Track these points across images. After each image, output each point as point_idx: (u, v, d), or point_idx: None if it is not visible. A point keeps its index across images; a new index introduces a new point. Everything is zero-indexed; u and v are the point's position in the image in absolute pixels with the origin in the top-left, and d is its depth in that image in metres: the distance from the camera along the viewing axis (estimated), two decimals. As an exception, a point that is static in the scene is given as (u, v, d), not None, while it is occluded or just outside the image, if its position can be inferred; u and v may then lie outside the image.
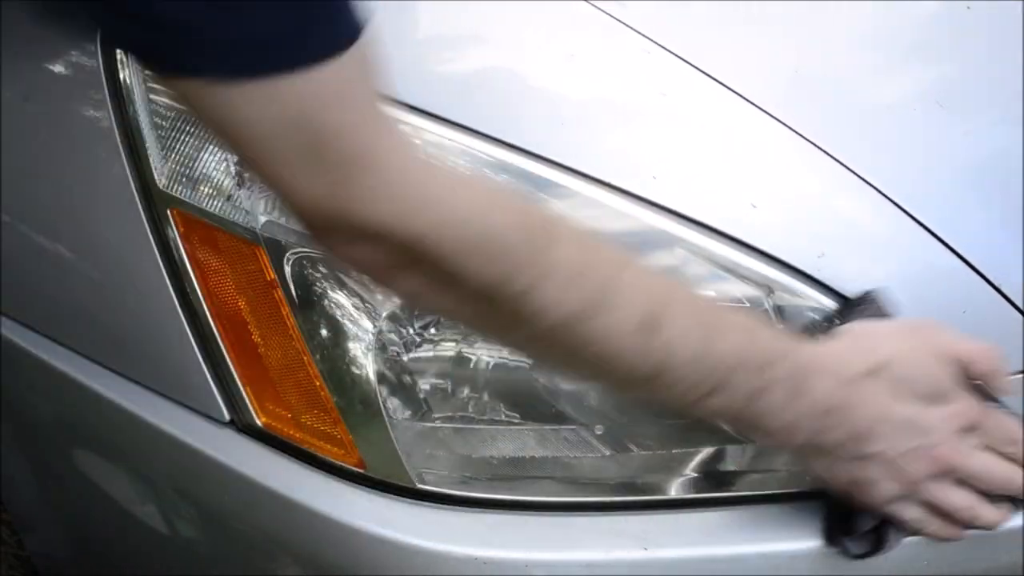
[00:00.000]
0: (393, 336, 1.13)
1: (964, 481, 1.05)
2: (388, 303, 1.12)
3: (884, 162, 1.17)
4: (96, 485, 1.40)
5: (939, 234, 1.15)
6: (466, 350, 1.15)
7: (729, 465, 1.17)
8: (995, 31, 1.34)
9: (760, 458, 1.17)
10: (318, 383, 1.13)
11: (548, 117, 1.14)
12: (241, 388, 1.17)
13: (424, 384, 1.15)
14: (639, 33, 1.20)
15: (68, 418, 1.37)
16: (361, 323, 1.12)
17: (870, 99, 1.22)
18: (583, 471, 1.16)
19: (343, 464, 1.14)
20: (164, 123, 1.18)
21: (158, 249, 1.18)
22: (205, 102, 0.75)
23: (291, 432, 1.16)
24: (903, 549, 1.12)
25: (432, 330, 1.13)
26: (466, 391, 1.16)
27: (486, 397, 1.16)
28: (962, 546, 1.12)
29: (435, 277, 0.87)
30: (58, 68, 1.27)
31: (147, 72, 1.19)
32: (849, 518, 1.08)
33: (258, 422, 1.17)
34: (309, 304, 1.12)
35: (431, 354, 1.15)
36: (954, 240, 1.15)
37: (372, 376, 1.12)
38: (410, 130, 1.12)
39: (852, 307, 1.09)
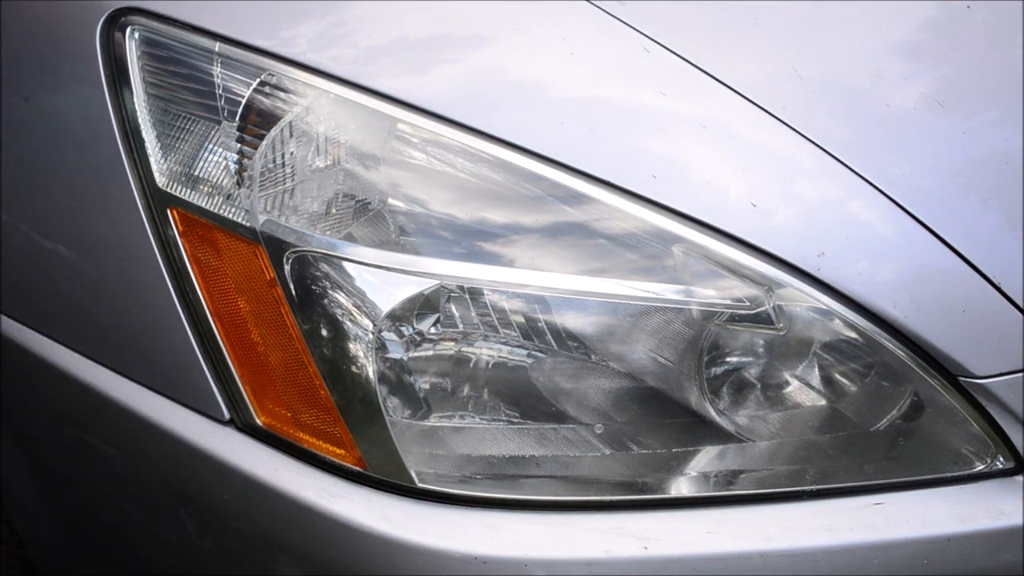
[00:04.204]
0: (393, 336, 1.13)
1: None
2: (388, 303, 1.12)
3: (885, 161, 1.17)
4: (96, 484, 1.40)
5: (939, 233, 1.15)
6: (466, 350, 1.15)
7: (729, 465, 1.17)
8: (995, 31, 1.34)
9: (760, 458, 1.17)
10: (318, 382, 1.13)
11: (547, 116, 1.14)
12: (241, 387, 1.17)
13: (424, 384, 1.15)
14: (639, 31, 1.20)
15: (68, 417, 1.37)
16: (361, 323, 1.12)
17: (870, 98, 1.22)
18: (583, 470, 1.16)
19: (343, 463, 1.15)
20: (164, 123, 1.18)
21: (158, 248, 1.18)
22: None
23: (291, 431, 1.16)
24: (903, 548, 1.12)
25: (432, 330, 1.13)
26: (466, 390, 1.16)
27: (486, 396, 1.16)
28: (962, 546, 1.13)
29: None
30: (58, 68, 1.27)
31: (147, 71, 1.19)
32: None
33: (258, 421, 1.17)
34: (309, 303, 1.12)
35: (431, 354, 1.15)
36: (954, 240, 1.15)
37: (372, 376, 1.12)
38: (410, 129, 1.13)
39: None
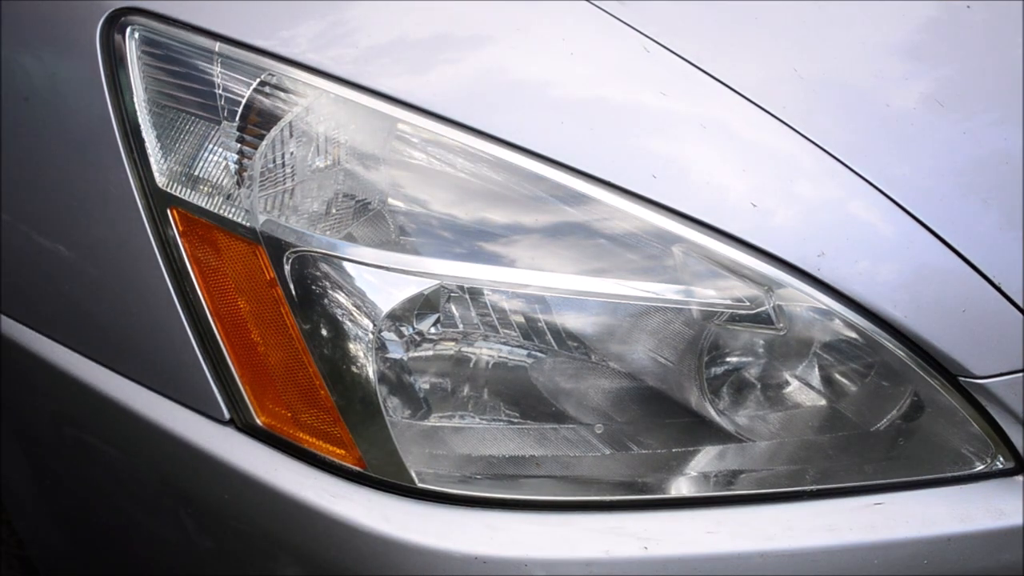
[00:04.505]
0: (393, 336, 1.13)
1: None
2: (388, 303, 1.12)
3: (885, 161, 1.17)
4: (96, 484, 1.40)
5: (939, 233, 1.15)
6: (466, 350, 1.15)
7: (729, 465, 1.17)
8: (995, 31, 1.34)
9: (760, 458, 1.17)
10: (318, 382, 1.13)
11: (547, 116, 1.14)
12: (241, 387, 1.17)
13: (424, 384, 1.15)
14: (639, 31, 1.20)
15: (68, 417, 1.37)
16: (361, 323, 1.12)
17: (871, 99, 1.22)
18: (583, 470, 1.16)
19: (343, 463, 1.15)
20: (164, 123, 1.18)
21: (158, 248, 1.18)
22: None
23: (291, 431, 1.16)
24: (903, 548, 1.12)
25: (432, 330, 1.13)
26: (466, 390, 1.16)
27: (486, 396, 1.16)
28: (962, 546, 1.13)
29: None
30: (58, 68, 1.27)
31: (147, 71, 1.19)
32: None
33: (258, 421, 1.17)
34: (309, 303, 1.12)
35: (431, 354, 1.15)
36: (954, 240, 1.15)
37: (372, 376, 1.12)
38: (410, 129, 1.13)
39: None
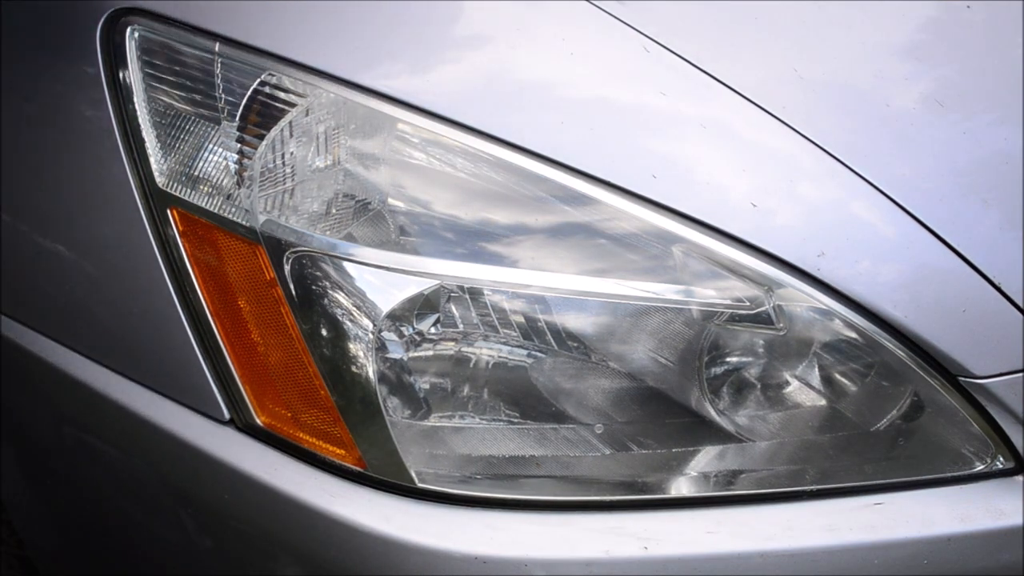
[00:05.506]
0: (393, 336, 1.13)
1: None
2: (388, 303, 1.12)
3: (885, 161, 1.17)
4: (96, 484, 1.40)
5: (940, 234, 1.15)
6: (466, 350, 1.15)
7: (729, 465, 1.17)
8: (995, 31, 1.34)
9: (760, 458, 1.17)
10: (318, 382, 1.13)
11: (548, 116, 1.14)
12: (241, 387, 1.17)
13: (424, 384, 1.15)
14: (639, 31, 1.20)
15: (68, 417, 1.37)
16: (361, 323, 1.12)
17: (871, 99, 1.22)
18: (583, 470, 1.16)
19: (343, 463, 1.15)
20: (164, 123, 1.18)
21: (158, 248, 1.18)
22: None
23: (291, 431, 1.16)
24: (903, 548, 1.12)
25: (432, 330, 1.13)
26: (466, 391, 1.16)
27: (486, 396, 1.16)
28: (962, 546, 1.13)
29: None
30: (58, 68, 1.27)
31: (147, 71, 1.19)
32: None
33: (258, 421, 1.17)
34: (309, 303, 1.12)
35: (431, 354, 1.15)
36: (955, 240, 1.15)
37: (372, 376, 1.12)
38: (410, 129, 1.13)
39: None
